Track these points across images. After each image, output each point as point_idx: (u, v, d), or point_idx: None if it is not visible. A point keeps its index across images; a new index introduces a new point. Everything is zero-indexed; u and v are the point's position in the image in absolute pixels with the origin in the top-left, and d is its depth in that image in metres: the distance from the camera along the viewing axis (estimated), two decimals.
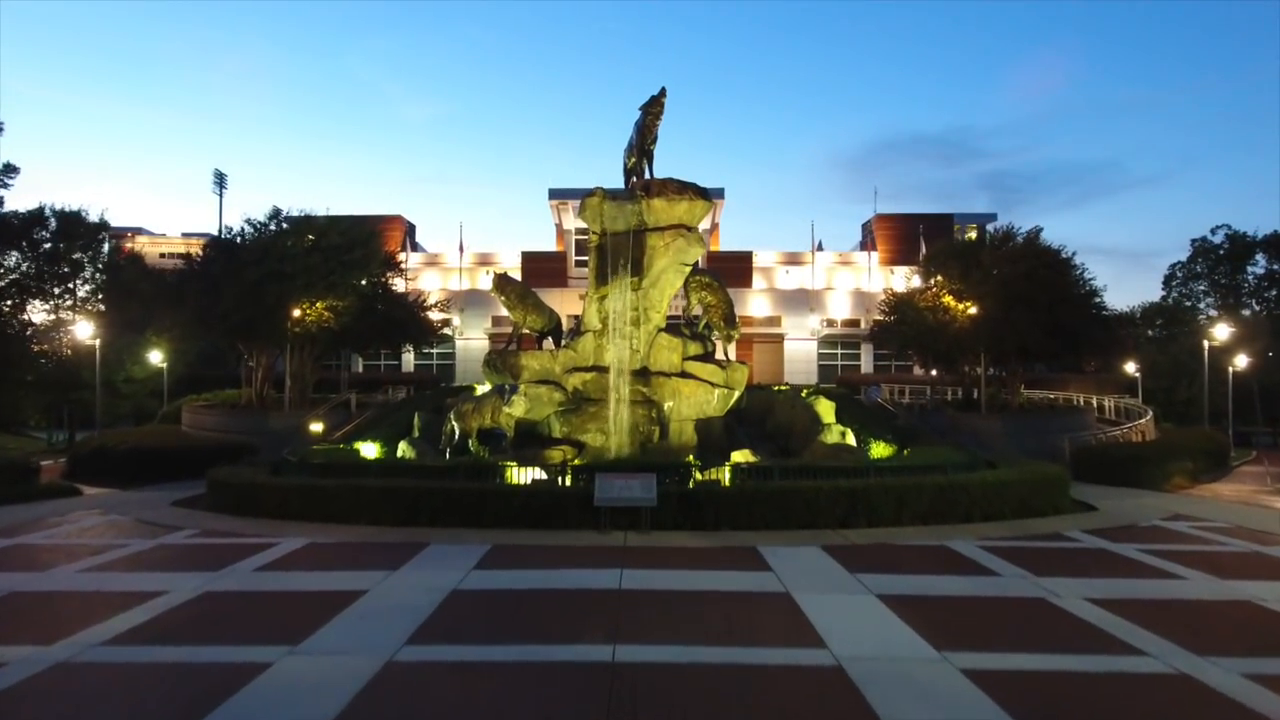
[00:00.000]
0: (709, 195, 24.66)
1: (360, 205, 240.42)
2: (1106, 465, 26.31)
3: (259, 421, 30.82)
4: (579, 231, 63.29)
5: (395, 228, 76.93)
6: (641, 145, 24.98)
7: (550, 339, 26.65)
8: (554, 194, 61.48)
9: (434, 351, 59.68)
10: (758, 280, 64.53)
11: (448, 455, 24.05)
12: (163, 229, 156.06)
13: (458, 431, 23.81)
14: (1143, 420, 31.98)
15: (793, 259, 72.40)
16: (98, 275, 46.78)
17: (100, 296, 46.42)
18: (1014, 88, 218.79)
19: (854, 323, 60.91)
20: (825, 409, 27.12)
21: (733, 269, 61.65)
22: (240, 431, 30.94)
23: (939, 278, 32.36)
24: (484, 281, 68.56)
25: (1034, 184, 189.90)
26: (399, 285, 62.83)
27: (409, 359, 60.20)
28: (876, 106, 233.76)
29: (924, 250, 63.60)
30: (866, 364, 59.90)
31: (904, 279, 67.71)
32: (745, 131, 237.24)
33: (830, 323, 60.58)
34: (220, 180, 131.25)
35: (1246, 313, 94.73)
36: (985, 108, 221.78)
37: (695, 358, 25.01)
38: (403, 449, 25.25)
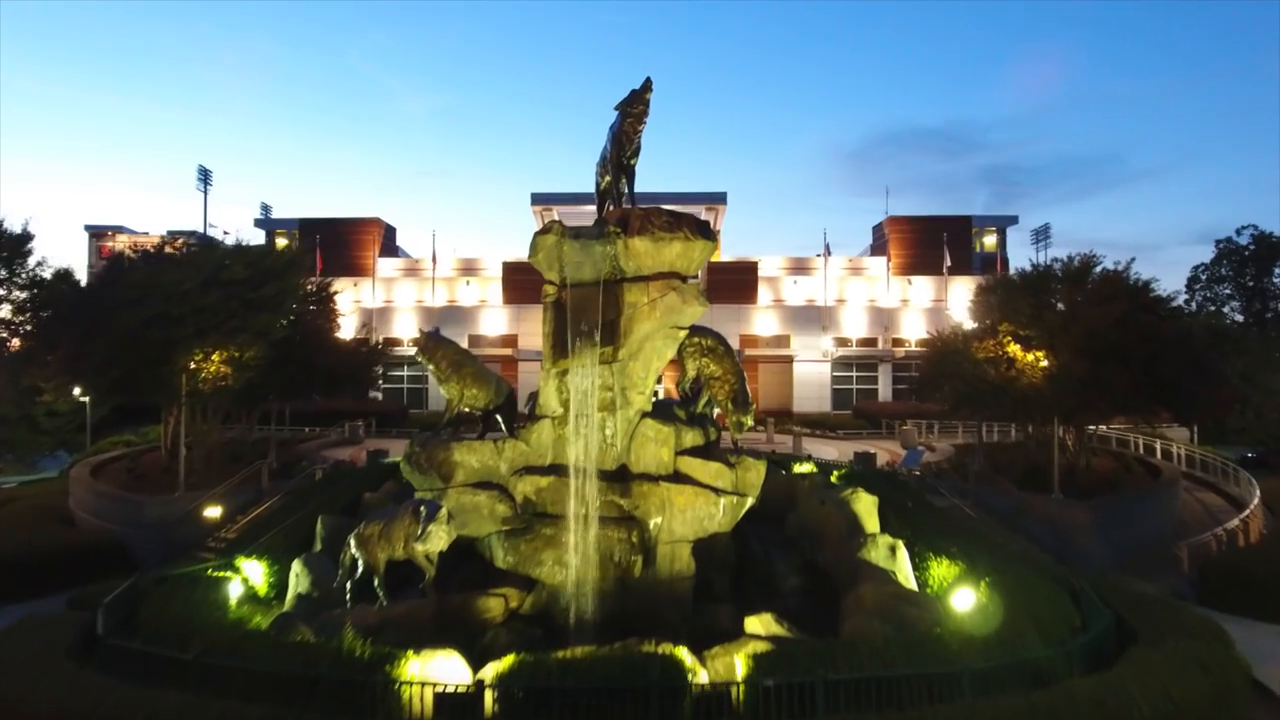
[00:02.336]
0: (710, 233, 17.18)
1: (355, 202, 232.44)
2: (1243, 586, 19.01)
3: (135, 508, 23.43)
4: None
5: (372, 231, 69.96)
6: (618, 159, 17.55)
7: (500, 418, 19.24)
8: (537, 199, 54.08)
9: (404, 374, 52.46)
10: (763, 292, 57.14)
11: (349, 592, 16.80)
12: (146, 227, 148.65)
13: (360, 564, 16.54)
14: (1253, 503, 24.64)
15: (800, 266, 65.20)
16: (16, 294, 39.57)
17: (27, 316, 39.26)
18: (1014, 81, 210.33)
19: (870, 341, 53.57)
20: (865, 508, 19.80)
21: (736, 282, 54.34)
22: (117, 520, 23.64)
23: (1003, 323, 24.85)
24: (464, 293, 61.23)
25: (1034, 177, 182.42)
26: (369, 297, 55.56)
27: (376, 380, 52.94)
28: (877, 100, 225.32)
29: (948, 260, 56.27)
30: (884, 388, 52.63)
31: (925, 290, 60.41)
32: (744, 127, 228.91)
33: (844, 341, 53.21)
34: (204, 177, 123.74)
35: (1271, 316, 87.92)
36: (985, 101, 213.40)
37: (693, 451, 17.66)
38: (296, 574, 18.00)
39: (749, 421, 17.75)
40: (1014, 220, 78.52)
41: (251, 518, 23.70)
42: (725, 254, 61.65)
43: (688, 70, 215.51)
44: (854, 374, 52.35)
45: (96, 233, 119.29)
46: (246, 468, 25.79)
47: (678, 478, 17.34)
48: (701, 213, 55.04)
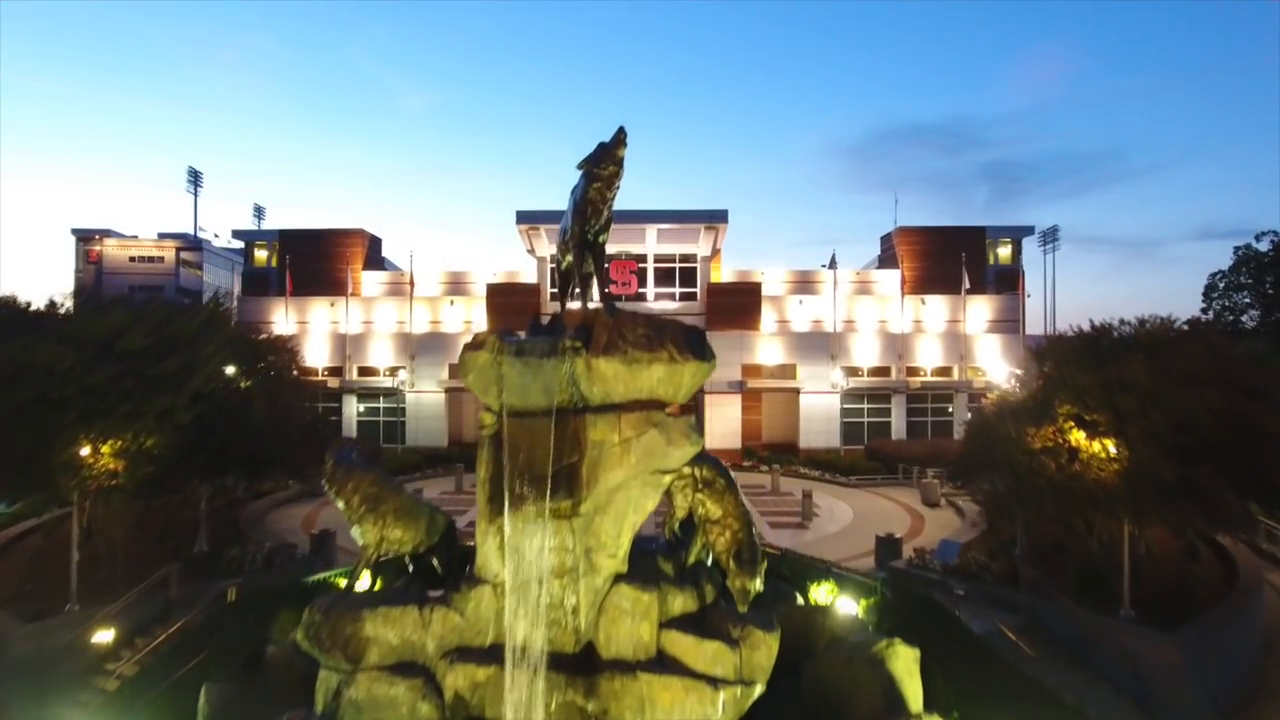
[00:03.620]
0: (706, 350, 12.42)
1: (351, 201, 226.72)
2: None
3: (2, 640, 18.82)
4: (554, 259, 51.07)
5: (356, 243, 65.31)
6: (581, 234, 12.89)
7: (436, 561, 14.63)
8: (522, 217, 49.21)
9: (380, 406, 47.88)
10: (767, 313, 52.36)
11: None
12: (138, 229, 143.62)
13: None
14: None
15: (805, 280, 60.51)
16: None
17: None
18: (1016, 76, 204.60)
19: (882, 370, 48.77)
20: (904, 668, 15.14)
21: (737, 305, 49.58)
22: None
23: (1063, 404, 20.07)
24: (447, 314, 56.47)
25: (1035, 173, 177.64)
26: (347, 319, 50.16)
27: (350, 413, 48.41)
28: (877, 97, 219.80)
29: (966, 283, 51.44)
30: (897, 420, 47.89)
31: (939, 310, 55.60)
32: (744, 123, 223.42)
33: (854, 371, 48.42)
34: (194, 178, 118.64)
35: None
36: (987, 97, 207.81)
37: (683, 621, 13.04)
38: None
39: (755, 587, 13.07)
40: (1029, 231, 73.61)
41: (153, 645, 19.16)
42: (726, 266, 56.76)
43: (688, 67, 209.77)
44: (865, 405, 47.64)
45: (84, 236, 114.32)
46: (156, 573, 21.12)
47: (662, 663, 12.73)
48: (701, 232, 50.33)
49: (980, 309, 54.39)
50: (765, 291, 54.30)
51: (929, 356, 49.11)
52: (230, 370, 24.32)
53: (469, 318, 54.85)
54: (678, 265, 51.26)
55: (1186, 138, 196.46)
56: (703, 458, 13.44)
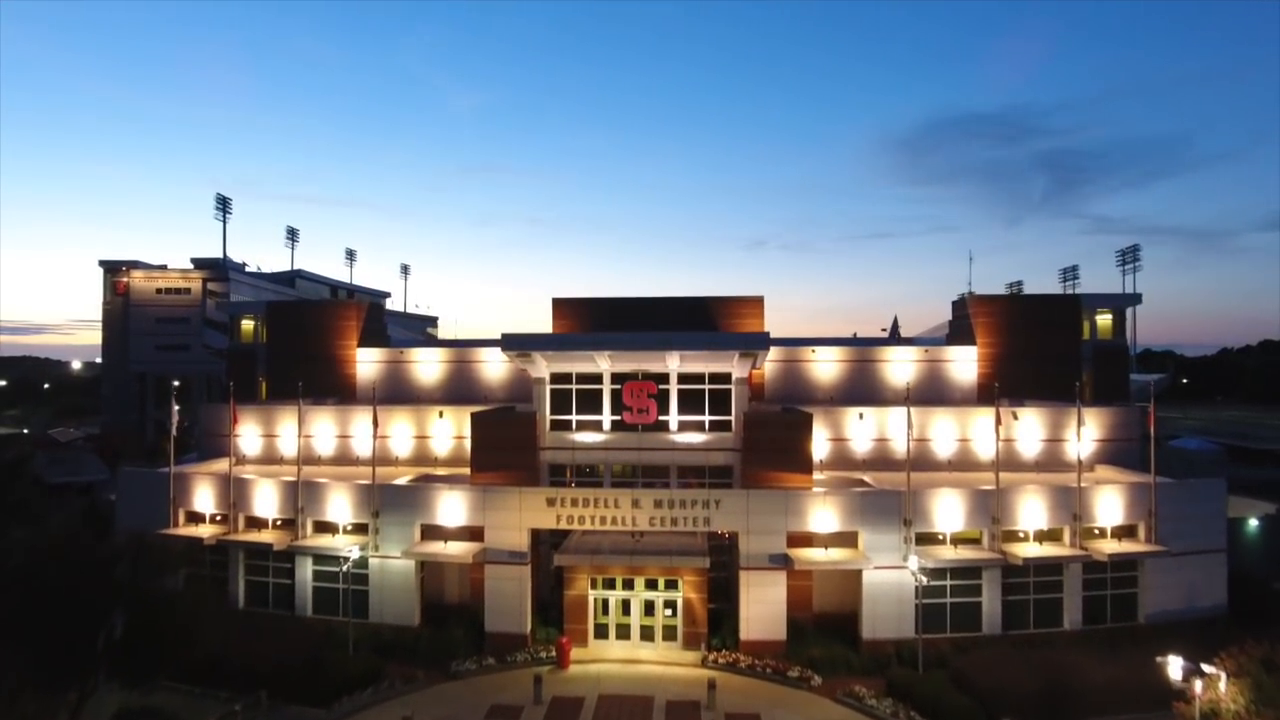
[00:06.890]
0: None
1: (390, 210, 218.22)
2: None
3: None
4: (555, 379, 40.10)
5: (349, 319, 55.99)
6: None
7: None
8: (509, 343, 38.08)
9: (339, 571, 37.71)
10: (819, 434, 40.85)
11: None
12: (168, 258, 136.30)
13: None
14: None
15: (863, 360, 49.84)
16: None
17: None
18: (1076, 63, 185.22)
19: (972, 539, 36.65)
20: None
21: (782, 441, 37.90)
22: None
23: None
24: (437, 429, 45.91)
25: (1097, 162, 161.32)
26: (322, 431, 38.15)
27: (304, 578, 38.40)
28: (929, 86, 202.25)
29: (1080, 420, 38.61)
30: (990, 603, 35.83)
31: (1035, 428, 43.20)
32: (791, 117, 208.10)
33: (933, 538, 36.40)
34: (223, 205, 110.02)
35: None
36: (1045, 84, 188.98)
37: None
38: None
39: None
40: (1135, 299, 60.17)
41: None
42: (771, 338, 45.21)
43: (736, 62, 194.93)
44: (948, 583, 35.66)
45: (111, 268, 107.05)
46: None
47: None
48: (735, 359, 38.84)
49: (1089, 429, 41.72)
50: (817, 374, 43.22)
51: (1031, 514, 36.84)
52: None
53: (460, 432, 44.32)
54: (707, 386, 39.74)
55: (1260, 123, 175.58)
56: None
